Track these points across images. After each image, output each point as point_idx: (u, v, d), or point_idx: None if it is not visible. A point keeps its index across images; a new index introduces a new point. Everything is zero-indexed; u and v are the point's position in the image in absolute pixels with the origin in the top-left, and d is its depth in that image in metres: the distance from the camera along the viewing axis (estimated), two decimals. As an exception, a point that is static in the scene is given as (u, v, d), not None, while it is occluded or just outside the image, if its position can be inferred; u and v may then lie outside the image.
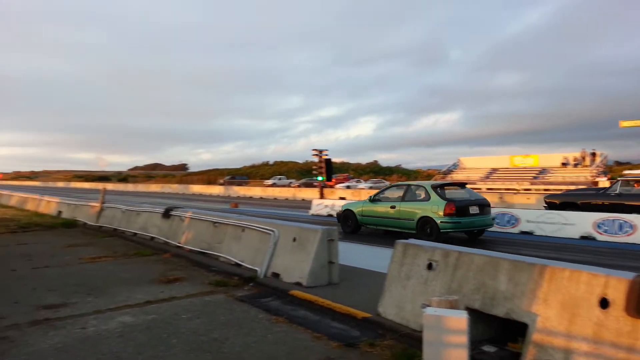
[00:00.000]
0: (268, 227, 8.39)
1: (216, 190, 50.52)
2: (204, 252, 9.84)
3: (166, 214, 12.02)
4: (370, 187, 42.46)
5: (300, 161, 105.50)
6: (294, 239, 7.80)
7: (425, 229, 12.26)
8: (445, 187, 13.39)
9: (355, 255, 10.03)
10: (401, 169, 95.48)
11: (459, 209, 12.03)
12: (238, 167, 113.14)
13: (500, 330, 4.87)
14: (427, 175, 68.19)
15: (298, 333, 5.48)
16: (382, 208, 13.67)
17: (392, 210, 13.29)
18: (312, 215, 21.82)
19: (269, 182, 65.80)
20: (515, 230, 15.08)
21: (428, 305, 4.18)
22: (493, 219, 13.51)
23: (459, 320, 3.84)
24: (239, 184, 61.18)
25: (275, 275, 7.84)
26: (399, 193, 13.68)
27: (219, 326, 5.66)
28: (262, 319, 5.98)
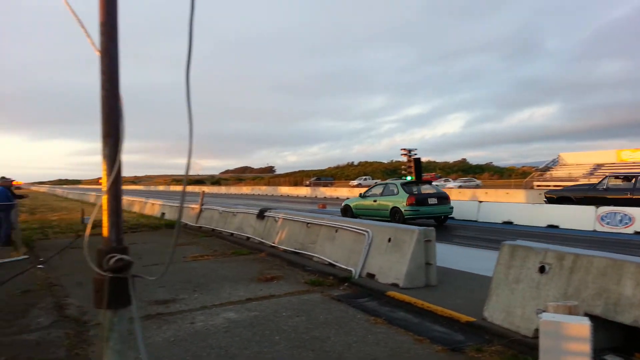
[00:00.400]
0: (362, 228, 8.35)
1: (303, 191, 51.60)
2: (298, 252, 10.02)
3: (260, 215, 12.42)
4: (460, 187, 41.01)
5: (385, 161, 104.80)
6: (389, 240, 7.69)
7: (396, 216, 15.98)
8: (412, 184, 17.46)
9: (449, 256, 9.70)
10: (492, 166, 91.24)
11: (418, 200, 16.00)
12: (323, 168, 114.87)
13: (624, 339, 4.43)
14: (522, 172, 64.50)
15: (398, 335, 5.38)
16: (368, 202, 17.68)
17: (374, 203, 17.31)
18: (401, 215, 21.46)
19: (354, 182, 65.96)
20: (630, 230, 13.76)
21: (544, 311, 3.89)
22: (451, 208, 16.97)
23: (581, 327, 3.52)
24: (325, 185, 61.97)
25: (370, 275, 7.77)
26: (380, 190, 17.63)
27: (318, 325, 5.71)
28: (360, 319, 5.94)
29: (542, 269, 5.06)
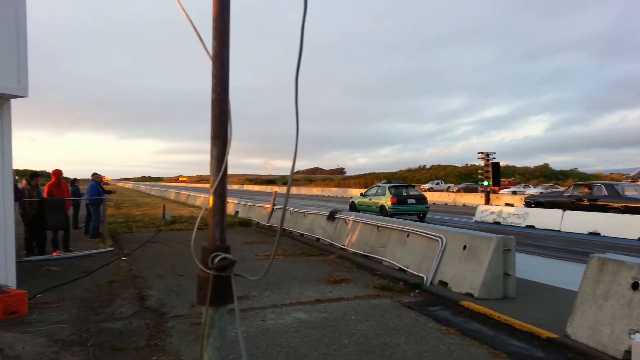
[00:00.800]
0: (435, 234, 8.10)
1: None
2: (367, 255, 9.92)
3: (331, 217, 12.45)
4: (541, 193, 38.81)
5: (459, 165, 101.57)
6: (464, 247, 7.38)
7: (382, 212, 19.91)
8: (400, 187, 22.07)
9: (529, 267, 9.16)
10: (577, 172, 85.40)
11: (398, 200, 20.24)
12: (394, 171, 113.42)
13: None
14: (611, 179, 59.92)
15: (473, 347, 5.13)
16: (365, 200, 22.13)
17: (370, 201, 21.75)
18: (476, 222, 20.66)
19: (426, 186, 64.48)
20: None
21: (637, 331, 3.53)
22: (427, 207, 21.16)
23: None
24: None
25: (443, 283, 7.50)
26: (374, 191, 22.20)
27: (388, 331, 5.58)
28: (432, 328, 5.74)
29: (635, 286, 4.61)
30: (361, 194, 22.97)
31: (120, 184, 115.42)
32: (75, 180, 15.40)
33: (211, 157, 1.77)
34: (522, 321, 5.72)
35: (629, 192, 17.79)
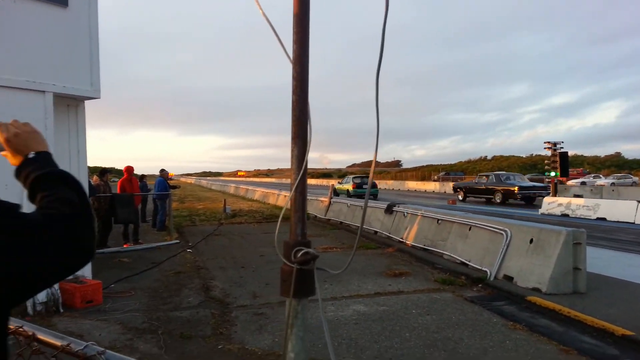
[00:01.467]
0: (499, 227, 7.83)
1: (431, 186, 50.22)
2: (427, 249, 9.75)
3: (389, 210, 12.34)
4: (612, 184, 36.53)
5: (524, 155, 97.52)
6: (531, 241, 7.09)
7: (348, 194, 29.69)
8: (359, 178, 32.30)
9: (601, 261, 8.68)
10: (652, 161, 79.56)
11: (356, 185, 30.31)
12: (452, 162, 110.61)
13: None
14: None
15: (541, 343, 4.93)
16: (340, 186, 31.85)
17: (342, 187, 31.53)
18: (542, 214, 19.77)
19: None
20: None
21: None
22: (377, 190, 32.30)
23: None
24: (454, 181, 59.65)
25: (508, 278, 7.25)
26: (346, 180, 33.36)
27: (451, 325, 5.47)
28: (497, 324, 5.57)
29: None
30: (339, 182, 34.86)
31: (182, 179, 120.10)
32: (143, 176, 16.18)
33: (292, 156, 1.82)
34: (594, 317, 5.44)
35: (509, 180, 26.08)
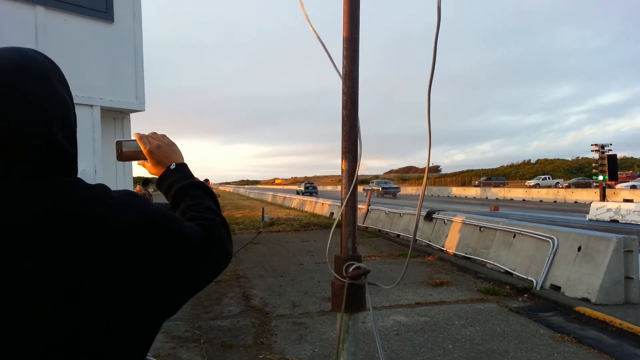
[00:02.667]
0: (544, 234, 7.56)
1: (472, 192, 49.18)
2: (469, 257, 9.52)
3: (428, 217, 12.14)
4: (666, 187, 34.79)
5: (569, 158, 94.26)
6: (579, 248, 6.80)
7: (298, 192, 51.09)
8: (309, 183, 67.06)
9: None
10: None
11: (306, 187, 58.15)
12: (494, 167, 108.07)
13: None
14: None
15: (591, 356, 4.72)
16: (299, 189, 58.66)
17: (300, 188, 58.86)
18: (590, 220, 19.01)
19: (531, 182, 60.61)
20: None
21: None
22: (317, 191, 57.70)
23: None
24: (496, 186, 58.21)
25: (555, 287, 6.98)
26: (301, 185, 62.88)
27: (495, 337, 5.31)
28: (544, 335, 5.36)
29: None
30: (299, 187, 56.16)
31: (221, 188, 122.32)
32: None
33: (342, 171, 1.82)
34: (651, 331, 5.16)
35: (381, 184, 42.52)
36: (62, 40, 5.60)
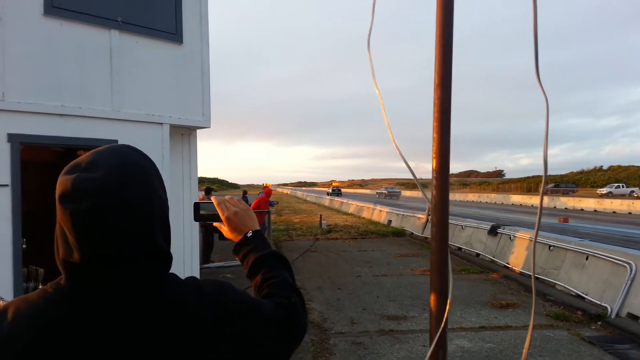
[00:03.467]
0: (621, 258, 7.05)
1: (537, 200, 46.75)
2: (537, 277, 9.05)
3: (493, 231, 11.69)
4: None
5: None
6: (662, 276, 6.29)
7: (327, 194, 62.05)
8: (335, 187, 76.76)
9: None
10: None
11: (332, 190, 71.06)
12: (563, 173, 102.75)
13: None
14: None
15: (679, 403, 4.31)
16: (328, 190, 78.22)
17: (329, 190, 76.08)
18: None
19: (604, 190, 57.06)
20: None
21: None
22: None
23: None
24: (565, 194, 55.28)
25: (633, 317, 6.49)
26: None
27: (567, 372, 5.00)
28: (621, 373, 4.98)
29: None
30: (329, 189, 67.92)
31: (279, 189, 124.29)
32: (245, 192, 16.95)
33: (433, 187, 1.72)
34: None
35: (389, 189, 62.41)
36: (135, 61, 5.86)
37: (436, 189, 1.75)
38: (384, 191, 65.59)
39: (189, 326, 0.89)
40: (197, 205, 1.31)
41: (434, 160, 1.72)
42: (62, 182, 0.88)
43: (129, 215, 0.87)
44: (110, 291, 0.87)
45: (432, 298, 1.69)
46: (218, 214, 1.26)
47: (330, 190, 70.45)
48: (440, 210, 1.73)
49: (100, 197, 0.85)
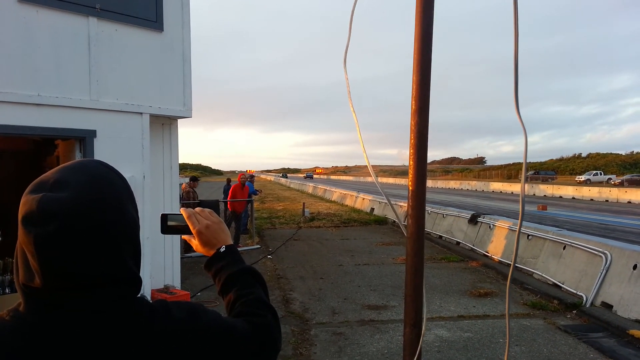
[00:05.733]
0: (597, 248, 7.22)
1: (518, 187, 47.57)
2: (515, 266, 9.23)
3: (472, 220, 11.85)
4: None
5: (623, 152, 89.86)
6: (635, 266, 6.46)
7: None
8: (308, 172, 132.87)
9: None
10: None
11: (306, 175, 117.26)
12: (543, 160, 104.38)
13: None
14: None
15: (647, 390, 4.47)
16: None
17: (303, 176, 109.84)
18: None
19: (582, 178, 58.24)
20: None
21: None
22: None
23: None
24: (544, 181, 56.24)
25: (607, 306, 6.67)
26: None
27: (542, 359, 5.13)
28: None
29: None
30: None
31: (262, 176, 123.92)
32: (229, 180, 16.86)
33: (409, 190, 1.72)
34: None
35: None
36: (114, 49, 5.74)
37: (412, 218, 1.76)
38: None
39: (159, 354, 0.86)
40: (164, 217, 1.22)
41: (410, 186, 1.72)
42: (27, 202, 0.81)
43: (98, 239, 0.82)
44: (75, 319, 0.82)
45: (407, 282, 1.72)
46: (186, 225, 1.19)
47: (305, 176, 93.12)
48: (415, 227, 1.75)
49: (68, 219, 0.79)
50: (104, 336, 0.83)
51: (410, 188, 1.67)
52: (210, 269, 1.18)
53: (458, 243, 12.20)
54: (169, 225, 1.23)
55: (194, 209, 1.25)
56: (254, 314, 1.06)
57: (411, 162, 1.66)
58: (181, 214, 1.21)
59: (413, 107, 1.64)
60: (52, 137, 5.97)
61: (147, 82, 6.12)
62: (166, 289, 6.37)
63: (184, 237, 1.24)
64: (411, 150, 1.65)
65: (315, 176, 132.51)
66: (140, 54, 6.05)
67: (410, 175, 1.66)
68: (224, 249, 1.18)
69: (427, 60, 1.62)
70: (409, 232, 1.69)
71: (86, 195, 0.83)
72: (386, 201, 20.28)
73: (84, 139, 5.50)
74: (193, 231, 1.18)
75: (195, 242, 1.20)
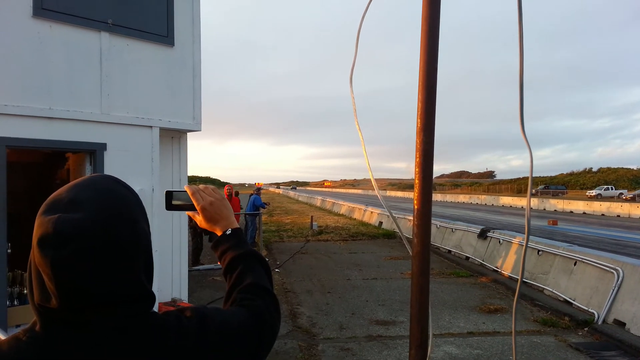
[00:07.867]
0: (609, 264, 7.11)
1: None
2: (525, 281, 9.11)
3: (482, 235, 11.75)
4: None
5: (634, 167, 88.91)
6: (648, 284, 6.35)
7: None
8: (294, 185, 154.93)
9: None
10: None
11: (292, 188, 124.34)
12: (553, 174, 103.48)
13: None
14: None
15: (663, 412, 4.36)
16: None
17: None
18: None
19: (593, 192, 57.61)
20: None
21: None
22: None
23: None
24: (555, 195, 55.74)
25: (619, 323, 6.55)
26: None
27: (553, 379, 5.03)
28: (607, 381, 5.03)
29: None
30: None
31: (271, 189, 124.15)
32: (237, 192, 16.90)
33: (415, 209, 1.70)
34: None
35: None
36: (125, 64, 5.82)
37: (417, 237, 1.75)
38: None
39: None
40: (169, 194, 1.24)
41: (416, 205, 1.70)
42: (42, 224, 0.80)
43: (114, 256, 0.82)
44: (92, 339, 0.81)
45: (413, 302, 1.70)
46: (191, 203, 1.22)
47: (290, 188, 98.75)
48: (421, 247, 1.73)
49: (85, 240, 0.79)
50: (126, 354, 0.83)
51: (416, 207, 1.66)
52: (217, 249, 1.23)
53: (467, 258, 12.08)
54: (174, 204, 1.26)
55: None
56: (253, 302, 1.09)
57: (417, 181, 1.64)
58: (186, 191, 1.24)
59: (418, 125, 1.63)
60: (63, 150, 6.03)
61: (158, 96, 6.19)
62: (173, 302, 6.35)
63: (188, 213, 1.27)
64: (416, 169, 1.63)
65: (323, 189, 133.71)
66: (151, 69, 6.12)
67: (415, 194, 1.65)
68: (230, 231, 1.22)
69: (432, 79, 1.62)
70: (414, 251, 1.67)
71: (100, 213, 0.83)
72: (395, 215, 20.23)
73: (95, 152, 5.55)
74: (197, 207, 1.22)
75: (199, 218, 1.24)
